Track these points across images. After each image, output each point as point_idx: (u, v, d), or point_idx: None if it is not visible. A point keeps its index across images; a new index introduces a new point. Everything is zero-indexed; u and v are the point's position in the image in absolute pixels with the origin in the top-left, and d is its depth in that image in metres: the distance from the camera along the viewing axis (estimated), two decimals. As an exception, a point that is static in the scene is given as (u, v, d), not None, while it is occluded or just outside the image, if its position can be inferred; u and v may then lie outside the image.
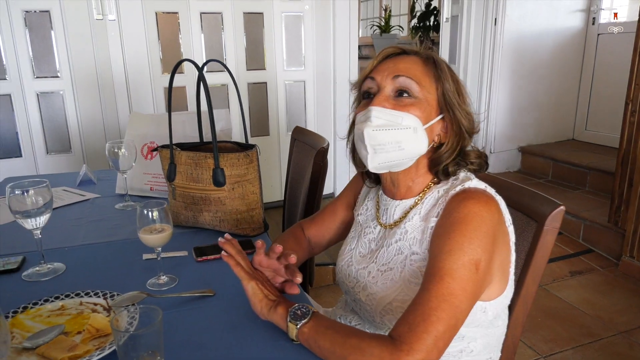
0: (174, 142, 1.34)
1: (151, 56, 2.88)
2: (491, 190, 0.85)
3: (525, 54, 3.68)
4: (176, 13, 2.90)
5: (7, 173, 2.64)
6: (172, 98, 3.36)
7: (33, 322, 0.86)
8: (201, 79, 1.20)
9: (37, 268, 1.07)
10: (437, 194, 0.88)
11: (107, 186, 1.70)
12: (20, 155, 2.78)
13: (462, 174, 0.89)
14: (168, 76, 2.92)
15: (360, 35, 7.22)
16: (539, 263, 0.92)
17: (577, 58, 3.87)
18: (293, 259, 0.88)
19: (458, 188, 0.84)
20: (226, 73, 3.23)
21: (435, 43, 4.44)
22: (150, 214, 0.97)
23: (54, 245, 1.21)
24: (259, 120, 3.26)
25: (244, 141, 1.34)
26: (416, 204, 0.90)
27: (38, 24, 2.63)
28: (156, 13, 2.85)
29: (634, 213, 2.40)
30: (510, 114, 3.76)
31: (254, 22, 3.10)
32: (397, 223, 0.93)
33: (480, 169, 0.92)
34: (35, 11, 2.61)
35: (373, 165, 0.88)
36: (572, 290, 2.39)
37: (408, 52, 0.92)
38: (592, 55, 3.80)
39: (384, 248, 0.93)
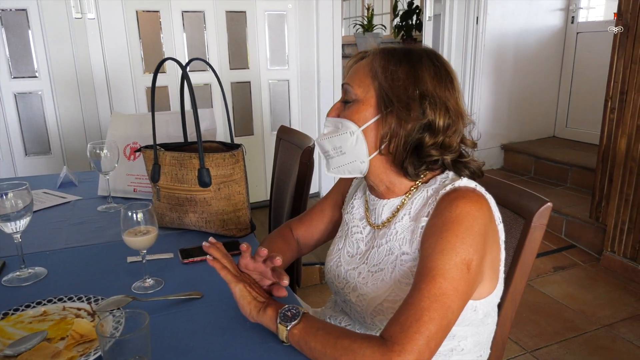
0: (157, 142, 1.32)
1: (132, 55, 2.83)
2: (481, 189, 0.84)
3: (507, 53, 3.72)
4: (157, 12, 2.86)
5: (-17, 176, 2.58)
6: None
7: (14, 329, 0.83)
8: (185, 77, 1.18)
9: (18, 273, 1.04)
10: (427, 194, 0.87)
11: (89, 188, 1.67)
12: (-2, 158, 2.71)
13: (452, 174, 0.89)
14: (150, 75, 2.89)
15: (343, 34, 7.23)
16: (527, 260, 0.93)
17: (557, 56, 3.93)
18: (278, 261, 0.87)
19: (448, 187, 0.83)
20: (209, 72, 3.19)
21: (418, 42, 4.46)
22: (134, 215, 0.95)
23: (35, 249, 1.17)
24: (243, 119, 3.24)
25: (228, 141, 1.32)
26: (403, 203, 0.90)
27: (14, 22, 2.57)
28: (137, 11, 2.80)
29: (614, 208, 2.44)
30: (493, 112, 3.81)
31: (236, 21, 3.07)
32: (385, 223, 0.92)
33: (447, 167, 0.89)
34: (11, 9, 2.54)
35: (328, 171, 0.93)
36: (555, 286, 2.42)
37: (366, 56, 0.91)
38: (572, 53, 3.86)
39: (374, 249, 0.92)
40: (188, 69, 1.22)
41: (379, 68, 0.85)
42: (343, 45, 3.58)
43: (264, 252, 0.88)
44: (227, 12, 3.02)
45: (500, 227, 0.86)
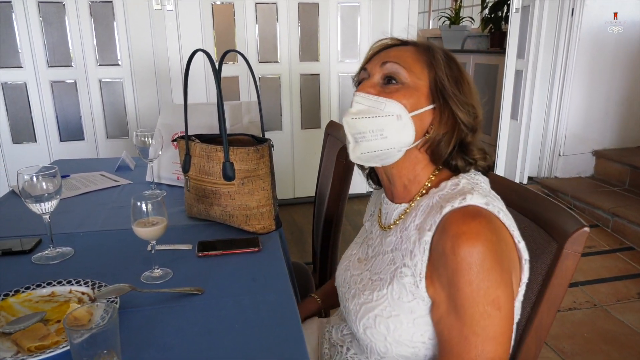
0: (200, 133, 1.33)
1: (205, 46, 2.92)
2: (493, 209, 0.72)
3: (606, 49, 3.34)
4: (232, 4, 2.92)
5: (70, 155, 2.82)
6: (223, 88, 3.36)
7: (21, 307, 0.87)
8: (214, 70, 1.17)
9: (47, 251, 1.10)
10: (433, 201, 0.78)
11: (143, 173, 1.73)
12: (83, 139, 2.95)
13: (464, 181, 0.78)
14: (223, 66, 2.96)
15: (430, 27, 6.96)
16: (556, 291, 0.80)
17: (668, 54, 3.46)
18: None
19: (457, 204, 0.72)
20: (279, 64, 3.20)
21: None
22: (144, 206, 0.95)
23: (72, 229, 1.24)
24: (310, 112, 3.22)
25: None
26: (409, 209, 0.83)
27: (101, 14, 2.76)
28: (212, 4, 2.89)
29: None
30: (585, 114, 3.44)
31: (308, 13, 3.05)
32: (392, 226, 0.86)
33: (487, 169, 0.85)
34: (99, 1, 2.73)
35: (355, 155, 0.81)
36: (638, 314, 2.14)
37: (406, 43, 0.85)
38: (688, 50, 3.37)
39: (380, 256, 0.86)
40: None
41: (440, 60, 0.80)
42: (428, 39, 3.43)
43: None
44: (299, 3, 3.01)
45: (521, 245, 0.75)
